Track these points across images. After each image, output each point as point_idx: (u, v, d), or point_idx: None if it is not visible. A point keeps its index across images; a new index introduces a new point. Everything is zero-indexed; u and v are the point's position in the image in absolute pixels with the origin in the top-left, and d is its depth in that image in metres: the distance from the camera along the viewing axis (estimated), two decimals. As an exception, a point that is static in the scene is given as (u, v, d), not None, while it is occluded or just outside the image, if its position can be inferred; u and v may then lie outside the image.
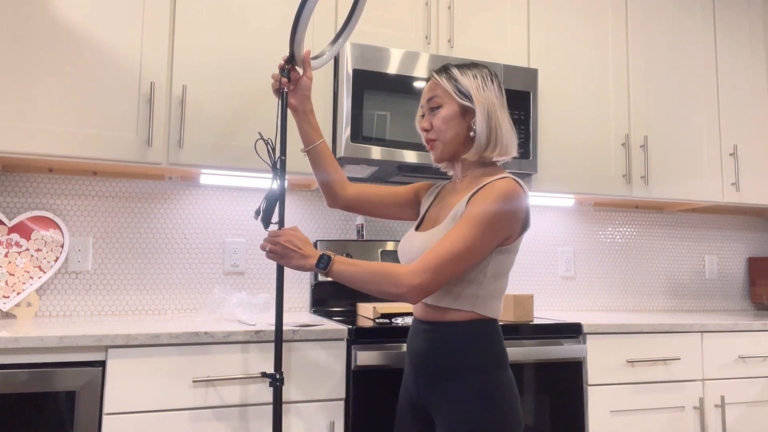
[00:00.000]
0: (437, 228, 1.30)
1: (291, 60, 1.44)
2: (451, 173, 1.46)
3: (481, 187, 1.27)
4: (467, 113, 1.32)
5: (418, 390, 1.32)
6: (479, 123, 1.29)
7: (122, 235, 2.09)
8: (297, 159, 1.95)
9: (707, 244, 2.93)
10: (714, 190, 2.53)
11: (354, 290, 2.25)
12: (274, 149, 1.41)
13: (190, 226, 2.17)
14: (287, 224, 2.29)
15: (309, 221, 2.32)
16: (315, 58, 1.55)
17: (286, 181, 1.46)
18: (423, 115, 1.38)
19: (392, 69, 2.00)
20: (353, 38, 2.05)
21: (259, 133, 1.57)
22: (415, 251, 1.31)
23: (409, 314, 1.91)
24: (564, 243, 2.68)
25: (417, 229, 1.43)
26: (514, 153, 1.35)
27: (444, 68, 1.36)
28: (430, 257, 1.19)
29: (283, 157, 1.40)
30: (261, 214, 1.37)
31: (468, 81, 1.31)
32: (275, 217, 1.38)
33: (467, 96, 1.30)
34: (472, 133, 1.31)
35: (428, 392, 1.29)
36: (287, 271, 2.26)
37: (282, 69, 1.43)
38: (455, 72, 1.33)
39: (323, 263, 1.25)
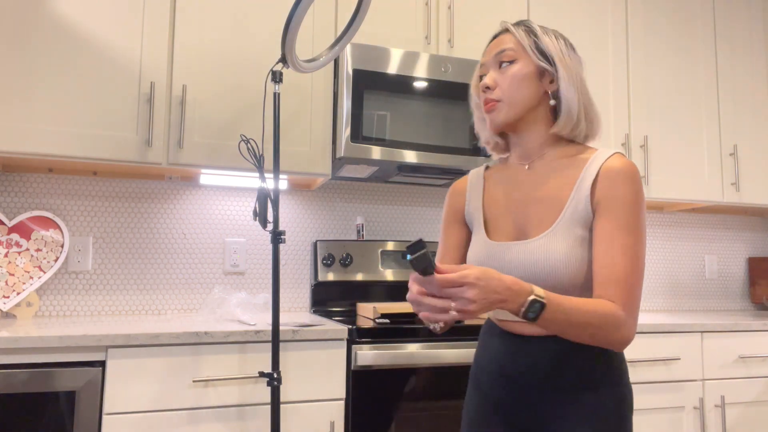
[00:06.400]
0: (550, 232, 1.03)
1: (283, 60, 1.45)
2: (498, 155, 1.21)
3: (598, 171, 1.03)
4: (544, 76, 1.09)
5: (529, 411, 1.06)
6: (566, 89, 1.06)
7: (122, 235, 2.09)
8: (295, 159, 1.95)
9: (707, 244, 2.93)
10: (714, 190, 2.53)
11: (353, 290, 2.24)
12: (255, 148, 1.42)
13: (190, 226, 2.17)
14: (286, 224, 2.29)
15: (309, 221, 2.31)
16: (311, 60, 1.55)
17: (280, 180, 1.47)
18: (482, 76, 1.15)
19: (392, 69, 2.00)
20: (353, 38, 2.05)
21: (242, 135, 1.58)
22: (528, 265, 1.03)
23: (412, 315, 1.89)
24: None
25: (489, 236, 1.13)
26: (600, 133, 1.13)
27: (521, 22, 1.13)
28: (627, 286, 0.96)
29: (263, 154, 1.40)
30: (257, 215, 1.38)
31: (549, 40, 1.09)
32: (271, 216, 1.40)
33: (547, 57, 1.08)
34: (552, 102, 1.08)
35: (552, 411, 1.04)
36: (287, 270, 2.26)
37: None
38: (536, 27, 1.11)
39: (534, 312, 0.90)
